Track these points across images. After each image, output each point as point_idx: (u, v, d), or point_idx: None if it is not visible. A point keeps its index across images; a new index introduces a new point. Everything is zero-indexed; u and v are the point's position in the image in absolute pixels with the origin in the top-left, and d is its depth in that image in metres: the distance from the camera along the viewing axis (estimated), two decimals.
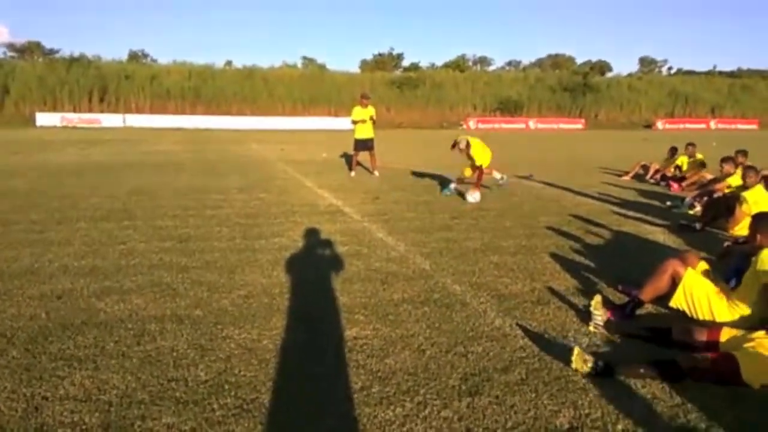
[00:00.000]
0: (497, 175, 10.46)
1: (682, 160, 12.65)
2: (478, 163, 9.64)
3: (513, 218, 7.88)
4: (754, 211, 5.83)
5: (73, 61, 47.74)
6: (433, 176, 12.40)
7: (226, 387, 3.01)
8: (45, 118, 40.66)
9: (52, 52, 55.00)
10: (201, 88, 48.19)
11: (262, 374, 3.16)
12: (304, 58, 63.30)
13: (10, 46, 58.47)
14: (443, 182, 10.02)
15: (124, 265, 5.27)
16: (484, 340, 3.67)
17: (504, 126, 49.44)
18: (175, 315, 4.03)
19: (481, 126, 48.24)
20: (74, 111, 42.86)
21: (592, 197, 10.03)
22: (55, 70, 46.00)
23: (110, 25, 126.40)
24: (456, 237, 6.68)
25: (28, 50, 57.14)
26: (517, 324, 3.97)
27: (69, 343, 3.51)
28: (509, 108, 53.19)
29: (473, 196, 9.15)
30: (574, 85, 56.23)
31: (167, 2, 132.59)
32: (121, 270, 5.10)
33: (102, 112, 43.58)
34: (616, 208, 8.89)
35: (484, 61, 75.23)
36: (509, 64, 76.61)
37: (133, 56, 60.73)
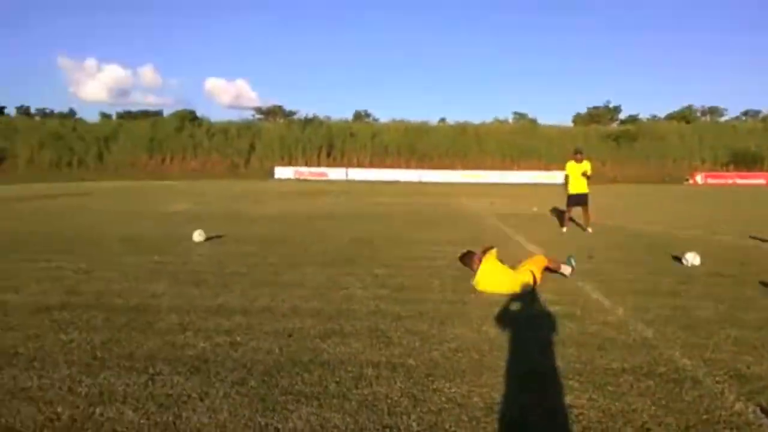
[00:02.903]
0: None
1: None
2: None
3: (756, 287, 6.92)
4: None
5: (308, 122, 53.83)
6: (655, 235, 11.46)
7: None
8: (281, 172, 46.11)
9: (290, 113, 62.60)
10: (416, 143, 50.94)
11: None
12: (516, 113, 63.62)
13: (258, 110, 67.80)
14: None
15: (345, 309, 5.66)
16: (721, 427, 3.23)
17: (739, 181, 44.17)
18: (389, 362, 4.20)
19: (710, 181, 43.68)
20: (305, 165, 47.97)
21: None
22: (292, 130, 52.25)
23: (339, 88, 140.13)
24: (684, 304, 6.05)
25: (272, 112, 65.67)
26: (763, 411, 3.43)
27: (297, 379, 3.84)
28: (746, 161, 47.51)
29: (690, 258, 8.08)
30: None
31: (389, 66, 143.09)
32: (342, 314, 5.48)
33: (328, 166, 48.14)
34: None
35: (715, 111, 68.59)
36: (745, 113, 68.77)
37: (358, 116, 66.45)
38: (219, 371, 3.97)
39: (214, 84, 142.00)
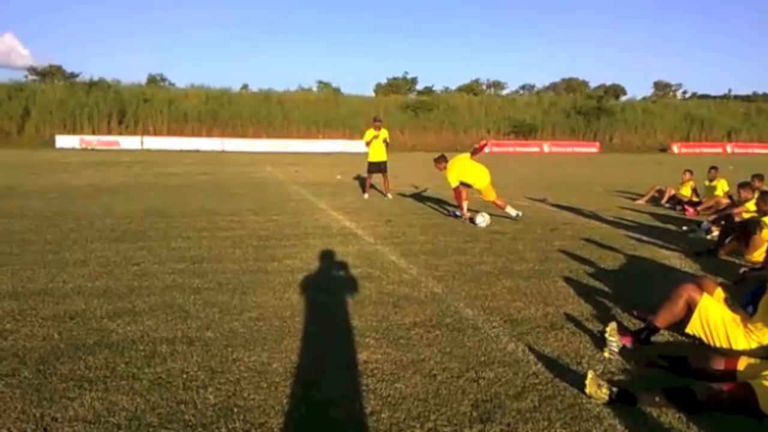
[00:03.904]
0: (512, 211, 9.77)
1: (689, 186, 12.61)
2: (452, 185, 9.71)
3: (526, 242, 7.83)
4: None
5: (93, 85, 48.62)
6: (448, 199, 12.38)
7: (235, 410, 2.99)
8: (64, 141, 41.36)
9: (72, 75, 55.96)
10: (218, 111, 48.82)
11: (271, 398, 3.14)
12: (320, 82, 63.81)
13: (32, 70, 59.59)
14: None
15: (137, 286, 5.29)
16: (496, 366, 3.62)
17: (518, 149, 49.45)
18: (186, 337, 4.03)
19: (495, 149, 48.27)
20: (93, 133, 43.57)
21: (607, 221, 9.96)
22: (76, 94, 46.85)
23: (130, 49, 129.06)
24: (469, 260, 6.64)
25: (50, 74, 58.19)
26: (530, 349, 3.91)
27: (80, 364, 3.51)
28: (523, 131, 53.30)
29: (481, 219, 9.06)
30: (588, 109, 56.24)
31: (186, 28, 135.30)
32: (134, 291, 5.12)
33: (120, 134, 44.27)
34: (631, 233, 8.81)
35: (497, 85, 75.51)
36: (523, 88, 76.75)
37: (152, 80, 61.74)
38: None
39: None
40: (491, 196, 9.73)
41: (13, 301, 4.73)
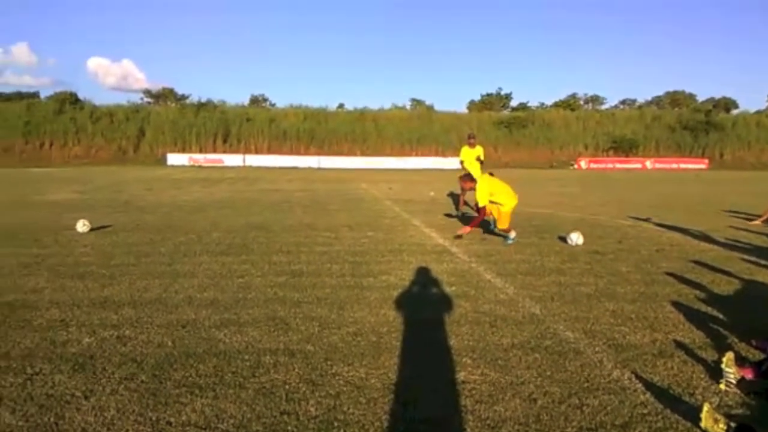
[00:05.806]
0: (512, 234, 9.07)
1: None
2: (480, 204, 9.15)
3: (630, 263, 7.48)
4: None
5: (201, 106, 51.78)
6: (543, 218, 12.09)
7: (335, 424, 3.05)
8: (175, 158, 44.24)
9: (183, 97, 59.91)
10: (315, 129, 50.46)
11: (369, 413, 3.17)
12: (413, 99, 64.51)
13: (147, 92, 64.36)
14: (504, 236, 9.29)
15: (242, 298, 5.54)
16: (600, 393, 3.48)
17: (618, 166, 47.53)
18: (287, 349, 4.16)
19: (593, 166, 46.69)
20: (200, 151, 46.27)
21: (719, 243, 9.33)
22: (185, 115, 50.07)
23: (235, 72, 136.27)
24: (568, 281, 6.43)
25: (163, 96, 62.57)
26: (637, 377, 3.73)
27: (191, 371, 3.71)
28: (624, 147, 51.16)
29: (576, 236, 8.69)
30: (695, 123, 53.20)
31: (286, 51, 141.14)
32: (239, 303, 5.36)
33: (225, 152, 46.75)
34: (746, 255, 8.20)
35: (596, 99, 73.03)
36: (623, 102, 73.88)
37: (254, 100, 64.89)
38: (106, 367, 3.77)
39: (97, 64, 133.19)
40: (505, 221, 9.11)
41: (131, 309, 5.09)
